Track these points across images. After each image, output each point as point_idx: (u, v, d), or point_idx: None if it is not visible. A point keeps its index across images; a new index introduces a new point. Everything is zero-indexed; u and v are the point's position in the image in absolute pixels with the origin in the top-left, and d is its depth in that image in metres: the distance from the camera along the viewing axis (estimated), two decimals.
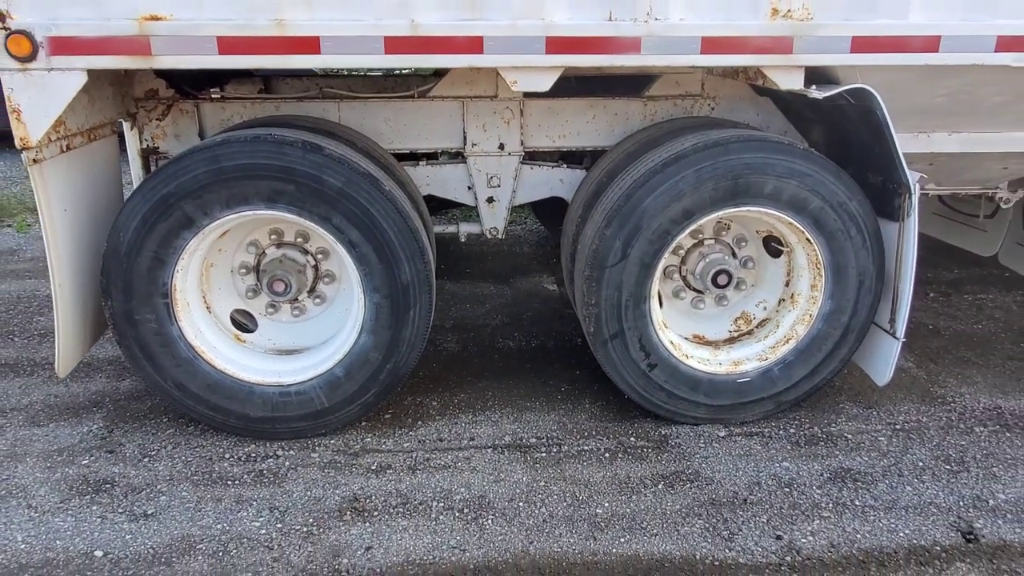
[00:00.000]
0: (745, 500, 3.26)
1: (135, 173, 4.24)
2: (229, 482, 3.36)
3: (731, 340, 3.95)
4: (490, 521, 3.13)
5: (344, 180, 3.29)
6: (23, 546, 2.96)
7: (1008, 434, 3.75)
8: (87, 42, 3.02)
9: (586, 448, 3.63)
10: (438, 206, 5.34)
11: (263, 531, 3.06)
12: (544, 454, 3.58)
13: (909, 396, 4.11)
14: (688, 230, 3.51)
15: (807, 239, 3.57)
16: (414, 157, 4.33)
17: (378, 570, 2.86)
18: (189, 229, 3.31)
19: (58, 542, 2.98)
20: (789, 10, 3.23)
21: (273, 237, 3.67)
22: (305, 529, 3.07)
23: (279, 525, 3.09)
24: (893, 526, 3.11)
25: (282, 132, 3.32)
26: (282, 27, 3.09)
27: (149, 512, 3.16)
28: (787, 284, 3.86)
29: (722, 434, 3.75)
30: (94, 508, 3.18)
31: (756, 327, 3.95)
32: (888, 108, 3.28)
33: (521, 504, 3.23)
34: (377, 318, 3.48)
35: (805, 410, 3.94)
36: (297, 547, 2.97)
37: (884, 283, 3.64)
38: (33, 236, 6.99)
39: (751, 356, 3.80)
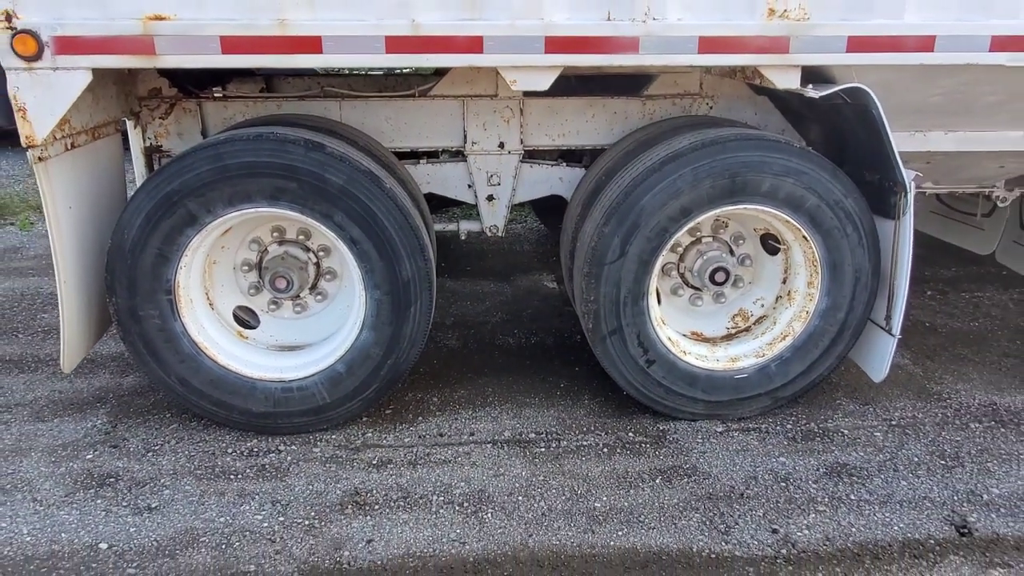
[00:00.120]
0: (742, 494, 3.30)
1: (138, 171, 4.28)
2: (232, 476, 3.40)
3: (729, 337, 3.99)
4: (490, 515, 3.17)
5: (346, 178, 3.32)
6: (29, 539, 3.00)
7: (1003, 430, 3.79)
8: (92, 42, 3.06)
9: (585, 443, 3.66)
10: (439, 204, 5.38)
11: (265, 524, 3.10)
12: (543, 449, 3.62)
13: (905, 392, 4.14)
14: (686, 228, 3.55)
15: (804, 236, 3.60)
16: (415, 155, 4.36)
17: (379, 562, 2.90)
18: (192, 226, 3.34)
19: (63, 535, 3.02)
20: (786, 10, 3.27)
21: (275, 234, 3.71)
22: (307, 522, 3.11)
23: (281, 518, 3.13)
24: (888, 520, 3.15)
25: (284, 131, 3.36)
26: (284, 27, 3.12)
27: (153, 506, 3.20)
28: (784, 281, 3.89)
29: (719, 430, 3.78)
30: (98, 502, 3.22)
31: (753, 324, 3.98)
32: (884, 107, 3.32)
33: (520, 498, 3.27)
34: (378, 314, 3.52)
35: (802, 406, 3.98)
36: (299, 540, 3.01)
37: (880, 280, 3.68)
38: (36, 234, 7.04)
39: (748, 353, 3.84)
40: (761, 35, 3.30)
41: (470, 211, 4.54)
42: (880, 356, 3.71)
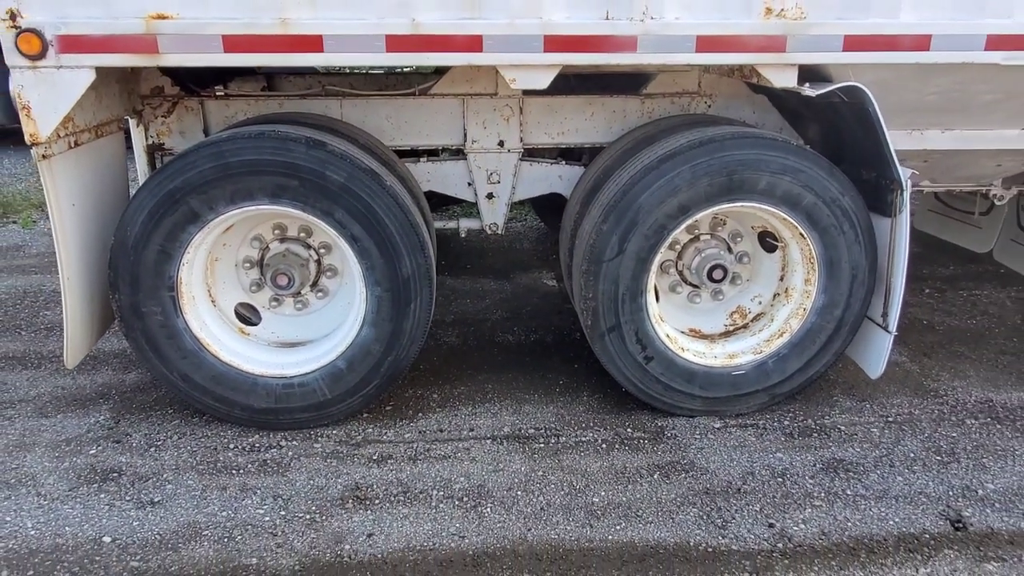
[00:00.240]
0: (739, 489, 3.33)
1: (141, 169, 4.31)
2: (234, 471, 3.43)
3: (726, 334, 4.01)
4: (489, 509, 3.20)
5: (346, 176, 3.35)
6: (33, 532, 3.03)
7: (999, 426, 3.81)
8: (96, 40, 3.09)
9: (583, 439, 3.69)
10: (439, 202, 5.41)
11: (267, 518, 3.13)
12: (542, 445, 3.65)
13: (902, 389, 4.17)
14: (684, 225, 3.58)
15: (801, 234, 3.63)
16: (415, 154, 4.39)
17: (379, 556, 2.93)
18: (195, 224, 3.37)
19: (67, 528, 3.06)
20: (783, 9, 3.29)
21: (277, 232, 3.74)
22: (308, 516, 3.14)
23: (283, 513, 3.16)
24: (883, 515, 3.17)
25: (286, 129, 3.38)
26: (286, 26, 3.15)
27: (156, 500, 3.23)
28: (781, 279, 3.92)
29: (717, 426, 3.81)
30: (102, 496, 3.25)
31: (751, 321, 4.01)
32: (880, 106, 3.34)
33: (519, 493, 3.30)
34: (379, 311, 3.55)
35: (799, 402, 4.01)
36: (300, 534, 3.04)
37: (877, 277, 3.70)
38: (38, 232, 7.07)
39: (746, 349, 3.86)
40: (758, 34, 3.32)
41: (470, 209, 4.56)
42: (877, 353, 3.74)
